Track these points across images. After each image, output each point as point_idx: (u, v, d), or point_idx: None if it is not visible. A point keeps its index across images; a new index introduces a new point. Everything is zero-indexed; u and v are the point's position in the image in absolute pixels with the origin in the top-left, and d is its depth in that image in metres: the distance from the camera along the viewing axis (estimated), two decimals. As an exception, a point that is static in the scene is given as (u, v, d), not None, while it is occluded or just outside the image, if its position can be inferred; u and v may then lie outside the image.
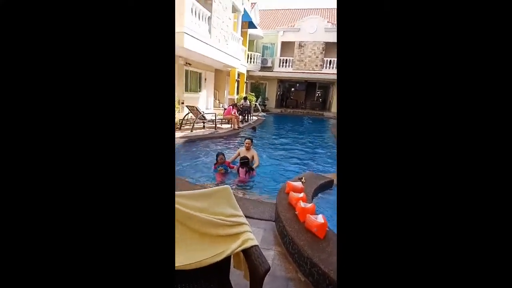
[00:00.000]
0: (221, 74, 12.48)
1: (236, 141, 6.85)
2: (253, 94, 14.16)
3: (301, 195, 2.32)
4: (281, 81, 17.49)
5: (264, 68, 15.85)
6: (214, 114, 7.76)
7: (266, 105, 16.65)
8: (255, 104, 13.80)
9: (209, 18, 7.72)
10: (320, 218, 1.89)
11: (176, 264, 1.23)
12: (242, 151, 4.53)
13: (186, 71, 9.54)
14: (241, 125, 8.27)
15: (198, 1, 7.31)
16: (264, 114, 14.00)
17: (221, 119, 8.41)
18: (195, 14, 6.90)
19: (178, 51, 7.22)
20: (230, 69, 11.46)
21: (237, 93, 13.03)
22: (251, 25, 12.81)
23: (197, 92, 10.76)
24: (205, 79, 11.25)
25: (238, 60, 10.78)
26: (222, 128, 7.80)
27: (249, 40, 15.00)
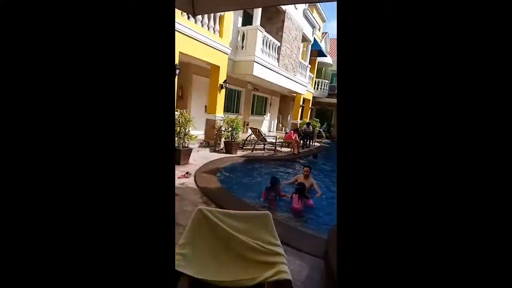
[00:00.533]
0: (286, 99, 12.86)
1: (294, 165, 6.79)
2: (318, 120, 13.96)
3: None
4: (349, 108, 16.82)
5: (332, 95, 15.63)
6: (275, 137, 7.94)
7: (331, 132, 16.15)
8: (319, 130, 13.55)
9: (279, 47, 8.20)
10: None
11: (210, 278, 1.28)
12: (300, 177, 4.42)
13: (254, 96, 10.21)
14: (301, 150, 8.17)
15: (270, 32, 7.92)
16: (327, 141, 13.55)
17: (282, 143, 8.52)
18: (266, 45, 7.44)
19: (247, 78, 7.85)
20: (295, 94, 11.70)
21: (301, 118, 13.09)
22: (321, 53, 12.97)
23: (262, 115, 11.32)
24: (270, 104, 11.77)
25: (304, 87, 10.97)
26: (281, 152, 7.87)
27: (317, 68, 15.18)
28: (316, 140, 12.84)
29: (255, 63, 7.00)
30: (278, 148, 8.07)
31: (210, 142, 6.72)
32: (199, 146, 6.36)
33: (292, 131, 8.45)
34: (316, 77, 15.04)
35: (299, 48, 9.61)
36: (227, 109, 8.65)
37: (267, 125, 12.18)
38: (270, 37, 7.56)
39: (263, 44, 7.27)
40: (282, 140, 8.49)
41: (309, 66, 11.43)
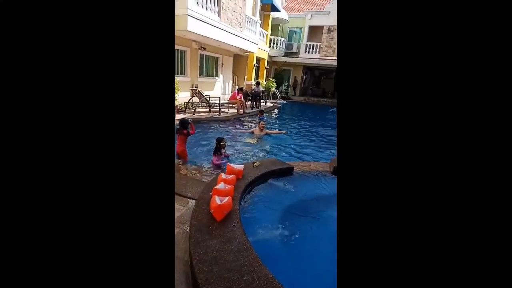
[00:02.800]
0: (240, 59, 12.36)
1: (237, 125, 6.81)
2: (274, 80, 13.82)
3: (222, 186, 2.14)
4: (308, 68, 16.75)
5: (289, 54, 15.31)
6: (218, 98, 7.78)
7: (288, 92, 16.20)
8: (274, 91, 13.51)
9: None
10: (218, 200, 1.80)
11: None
12: (256, 130, 5.60)
13: (201, 56, 9.64)
14: (248, 111, 8.17)
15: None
16: (283, 101, 13.64)
17: (228, 104, 8.40)
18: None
19: (185, 35, 7.29)
20: (248, 53, 11.28)
21: (256, 78, 12.84)
22: (274, 8, 12.32)
23: (213, 76, 10.85)
24: (222, 64, 11.26)
25: (255, 44, 10.54)
26: (227, 113, 7.80)
27: (272, 24, 14.53)
28: (271, 100, 12.87)
29: (189, 17, 6.45)
30: (225, 110, 7.97)
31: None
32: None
33: (235, 91, 8.30)
34: (271, 35, 14.49)
35: (244, 1, 8.99)
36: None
37: (221, 87, 11.81)
38: (206, -13, 6.92)
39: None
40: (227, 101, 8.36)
41: (260, 21, 10.88)
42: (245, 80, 13.00)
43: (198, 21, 6.83)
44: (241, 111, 7.89)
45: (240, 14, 8.92)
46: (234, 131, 6.30)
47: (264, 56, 13.24)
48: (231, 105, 8.51)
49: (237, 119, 7.37)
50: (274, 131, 5.98)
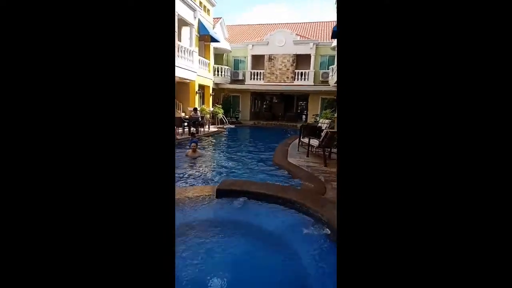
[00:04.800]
0: (183, 86, 12.42)
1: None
2: (220, 106, 14.04)
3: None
4: (256, 94, 17.43)
5: (236, 81, 15.86)
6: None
7: (238, 117, 16.52)
8: (222, 116, 13.67)
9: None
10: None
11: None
12: (189, 152, 6.04)
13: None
14: (181, 137, 8.04)
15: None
16: (230, 126, 13.81)
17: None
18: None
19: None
20: (188, 81, 11.41)
21: (202, 104, 12.93)
22: (214, 39, 12.86)
23: (152, 104, 10.66)
24: (162, 92, 11.19)
25: (193, 72, 10.74)
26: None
27: (216, 54, 15.10)
28: (218, 126, 12.95)
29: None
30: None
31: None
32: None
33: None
34: (216, 63, 14.97)
35: (176, 32, 9.24)
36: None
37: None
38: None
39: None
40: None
41: (195, 50, 11.21)
42: (189, 106, 13.02)
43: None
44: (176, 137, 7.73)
45: (172, 44, 9.10)
46: None
47: (208, 83, 13.51)
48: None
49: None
50: (200, 152, 6.28)
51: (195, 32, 11.29)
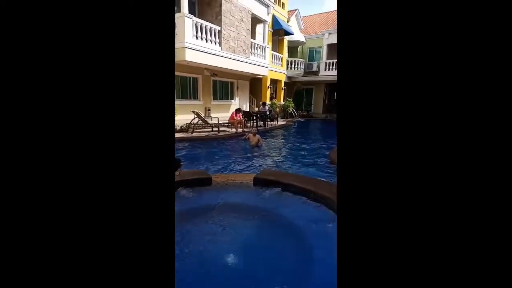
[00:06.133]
0: (257, 82, 13.12)
1: (231, 142, 7.32)
2: (291, 99, 14.14)
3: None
4: (330, 85, 16.60)
5: (309, 73, 15.55)
6: (217, 119, 8.48)
7: (310, 110, 16.20)
8: (292, 110, 13.77)
9: (219, 31, 8.54)
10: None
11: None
12: (250, 136, 6.69)
13: (214, 81, 10.65)
14: (245, 130, 8.64)
15: (210, 17, 8.30)
16: (299, 119, 13.76)
17: (228, 124, 9.03)
18: (200, 30, 7.84)
19: (183, 63, 8.29)
20: (261, 76, 11.97)
21: (272, 99, 13.38)
22: (287, 32, 12.94)
23: (228, 99, 11.74)
24: (237, 87, 12.13)
25: (265, 68, 11.20)
26: (228, 132, 8.41)
27: (291, 47, 15.10)
28: (287, 119, 13.13)
29: (186, 49, 7.47)
30: (225, 129, 8.61)
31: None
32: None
33: (234, 112, 8.89)
34: (290, 57, 15.02)
35: (248, 30, 9.81)
36: (182, 96, 9.26)
37: (241, 106, 12.66)
38: (205, 22, 7.93)
39: (195, 30, 7.68)
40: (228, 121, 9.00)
41: (268, 46, 11.57)
42: (261, 101, 13.68)
43: (197, 51, 7.80)
44: (240, 130, 8.41)
45: (245, 42, 9.73)
46: (229, 142, 7.00)
47: (281, 77, 13.77)
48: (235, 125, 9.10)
49: (233, 137, 7.90)
50: (261, 140, 6.69)
51: (268, 28, 11.67)
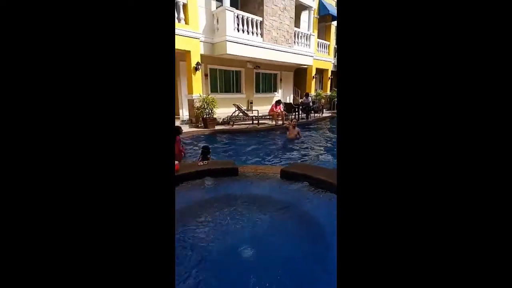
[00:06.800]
0: (301, 72, 12.68)
1: (269, 134, 7.25)
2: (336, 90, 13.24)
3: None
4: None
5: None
6: (257, 111, 8.45)
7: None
8: (336, 101, 12.91)
9: (261, 22, 8.42)
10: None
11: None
12: (290, 128, 6.46)
13: (257, 74, 10.67)
14: (285, 122, 8.43)
15: (252, 9, 8.26)
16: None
17: (268, 117, 8.92)
18: (241, 23, 7.85)
19: (226, 56, 8.41)
20: (306, 66, 11.50)
21: (318, 89, 12.76)
22: (334, 17, 12.06)
23: (271, 92, 11.65)
24: (281, 79, 11.92)
25: (309, 57, 10.71)
26: (268, 124, 8.35)
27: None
28: (332, 110, 12.38)
29: (228, 42, 7.58)
30: (268, 122, 8.56)
31: (192, 120, 7.84)
32: (182, 123, 7.56)
33: (274, 104, 8.72)
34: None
35: (291, 18, 9.45)
36: (224, 90, 9.52)
37: (283, 99, 12.45)
38: (246, 14, 7.91)
39: (236, 23, 7.72)
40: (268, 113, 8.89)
41: (313, 34, 10.97)
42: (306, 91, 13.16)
43: (239, 44, 7.86)
44: (280, 122, 8.26)
45: (288, 31, 9.42)
46: (267, 135, 7.00)
47: (327, 66, 13.00)
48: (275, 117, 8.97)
49: (272, 130, 7.81)
50: (299, 132, 6.47)
51: (313, 15, 11.07)
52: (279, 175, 3.38)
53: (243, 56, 8.35)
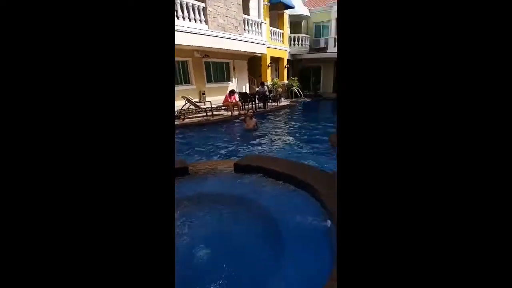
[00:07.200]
0: (256, 61, 12.40)
1: (225, 126, 6.89)
2: (295, 78, 13.35)
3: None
4: (339, 62, 15.53)
5: (316, 50, 14.57)
6: (209, 102, 8.00)
7: (318, 89, 15.35)
8: (296, 90, 13.03)
9: (204, 8, 7.85)
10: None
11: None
12: (247, 119, 6.30)
13: (206, 63, 10.07)
14: (242, 112, 8.13)
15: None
16: (305, 99, 13.02)
17: (223, 107, 8.53)
18: (183, 9, 7.21)
19: (186, 46, 7.75)
20: (260, 55, 11.25)
21: (274, 78, 12.67)
22: (288, 6, 11.96)
23: (224, 81, 11.16)
24: (234, 68, 11.50)
25: (262, 45, 10.47)
26: (221, 115, 7.96)
27: (293, 21, 14.11)
28: (291, 99, 12.46)
29: (172, 29, 6.91)
30: (223, 113, 8.15)
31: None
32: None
33: (228, 94, 8.36)
34: (293, 33, 14.08)
35: (238, 5, 9.03)
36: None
37: (236, 90, 12.08)
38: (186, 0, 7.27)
39: (175, 9, 7.05)
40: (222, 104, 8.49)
41: (264, 22, 10.74)
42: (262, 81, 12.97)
43: (181, 33, 7.23)
44: (236, 112, 7.92)
45: (236, 18, 9.02)
46: (223, 127, 6.55)
47: (283, 55, 12.96)
48: (231, 107, 8.60)
49: (229, 121, 7.44)
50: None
51: (263, 2, 10.79)
52: (232, 169, 3.08)
53: (188, 45, 7.73)
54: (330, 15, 13.97)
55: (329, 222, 1.95)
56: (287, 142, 5.42)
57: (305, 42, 14.19)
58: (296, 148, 4.91)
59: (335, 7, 13.53)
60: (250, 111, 6.38)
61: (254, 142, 5.32)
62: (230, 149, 4.81)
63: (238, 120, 6.88)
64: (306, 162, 3.39)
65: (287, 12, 12.81)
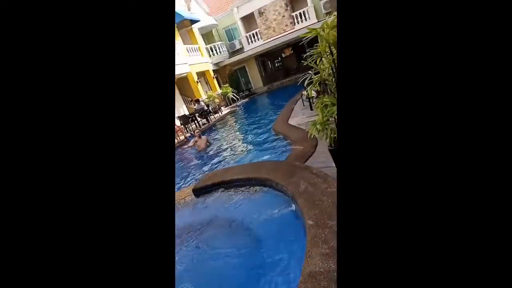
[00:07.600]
0: (184, 80, 12.26)
1: (176, 154, 6.67)
2: (227, 85, 13.59)
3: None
4: (261, 56, 16.26)
5: (235, 52, 15.00)
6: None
7: (250, 88, 15.85)
8: (232, 95, 13.26)
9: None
10: None
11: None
12: (195, 140, 6.18)
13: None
14: (187, 135, 7.99)
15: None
16: (242, 101, 13.35)
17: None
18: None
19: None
20: (185, 74, 11.16)
21: (208, 91, 12.69)
22: (193, 21, 12.10)
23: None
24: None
25: (183, 64, 10.42)
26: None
27: (204, 34, 14.36)
28: (230, 106, 12.63)
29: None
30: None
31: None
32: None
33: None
34: (209, 43, 14.30)
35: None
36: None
37: (176, 113, 11.77)
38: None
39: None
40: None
41: (178, 41, 10.72)
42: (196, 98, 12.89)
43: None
44: (182, 137, 7.75)
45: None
46: (177, 158, 6.25)
47: (206, 67, 13.07)
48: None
49: (177, 148, 7.24)
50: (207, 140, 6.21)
51: (169, 23, 10.74)
52: (192, 196, 3.04)
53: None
54: (234, 18, 14.52)
55: (293, 206, 2.09)
56: (239, 146, 5.53)
57: (222, 48, 14.52)
58: (250, 147, 5.05)
59: (235, 9, 14.14)
60: (196, 130, 6.28)
61: (210, 159, 5.30)
62: (186, 176, 4.71)
63: (188, 146, 6.66)
64: (260, 159, 3.53)
65: (195, 27, 12.94)
